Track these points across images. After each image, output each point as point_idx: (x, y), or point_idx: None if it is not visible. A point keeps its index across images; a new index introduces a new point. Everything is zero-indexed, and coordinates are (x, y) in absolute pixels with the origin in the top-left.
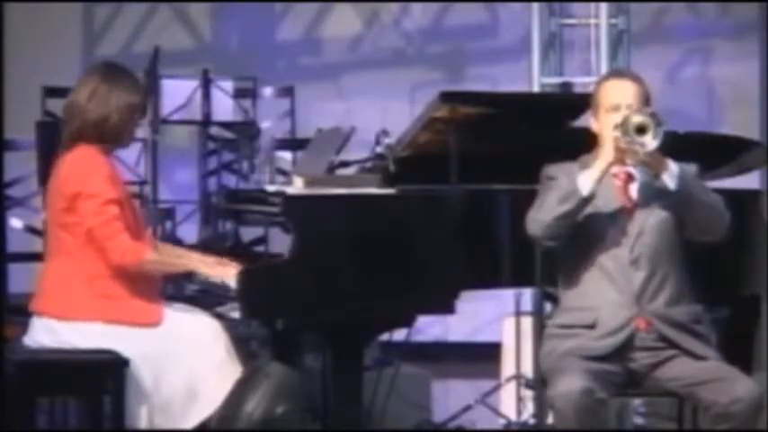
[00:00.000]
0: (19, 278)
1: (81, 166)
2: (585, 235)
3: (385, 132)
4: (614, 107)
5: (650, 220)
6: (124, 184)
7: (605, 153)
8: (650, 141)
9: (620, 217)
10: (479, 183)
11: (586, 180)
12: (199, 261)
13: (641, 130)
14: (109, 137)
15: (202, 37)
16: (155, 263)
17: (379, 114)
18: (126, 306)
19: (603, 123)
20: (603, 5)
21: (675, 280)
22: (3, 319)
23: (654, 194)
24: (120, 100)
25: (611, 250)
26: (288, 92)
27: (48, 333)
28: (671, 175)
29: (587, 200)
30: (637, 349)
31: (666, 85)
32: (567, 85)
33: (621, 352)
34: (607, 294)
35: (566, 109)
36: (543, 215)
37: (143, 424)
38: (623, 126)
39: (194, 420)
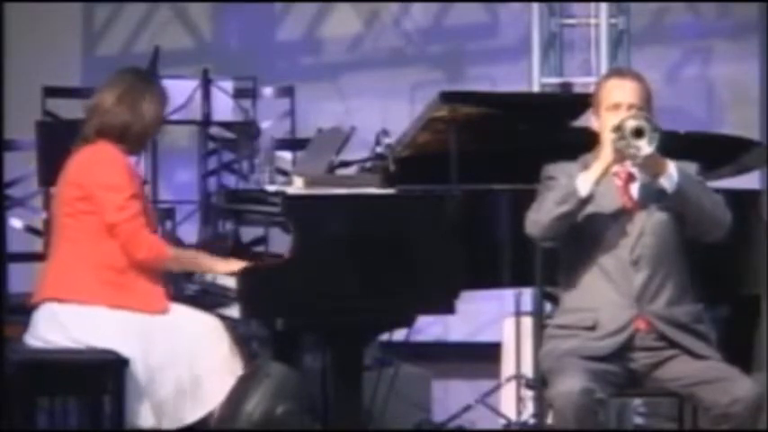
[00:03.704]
0: (19, 278)
1: (102, 158)
2: (586, 235)
3: (385, 132)
4: (615, 106)
5: (651, 221)
6: (140, 182)
7: (604, 154)
8: (645, 146)
9: (620, 217)
10: (479, 183)
11: (585, 181)
12: (214, 261)
13: (638, 133)
14: (131, 141)
15: (202, 37)
16: (175, 261)
17: (379, 114)
18: (131, 294)
19: (604, 122)
20: (603, 5)
21: (676, 280)
22: (3, 319)
23: (655, 194)
24: (148, 109)
25: (611, 251)
26: (288, 92)
27: (49, 323)
28: (669, 177)
29: (585, 201)
30: (637, 349)
31: (666, 85)
32: (567, 85)
33: (622, 352)
34: (607, 295)
35: (566, 109)
36: (541, 216)
37: (144, 418)
38: (619, 130)
39: (195, 416)
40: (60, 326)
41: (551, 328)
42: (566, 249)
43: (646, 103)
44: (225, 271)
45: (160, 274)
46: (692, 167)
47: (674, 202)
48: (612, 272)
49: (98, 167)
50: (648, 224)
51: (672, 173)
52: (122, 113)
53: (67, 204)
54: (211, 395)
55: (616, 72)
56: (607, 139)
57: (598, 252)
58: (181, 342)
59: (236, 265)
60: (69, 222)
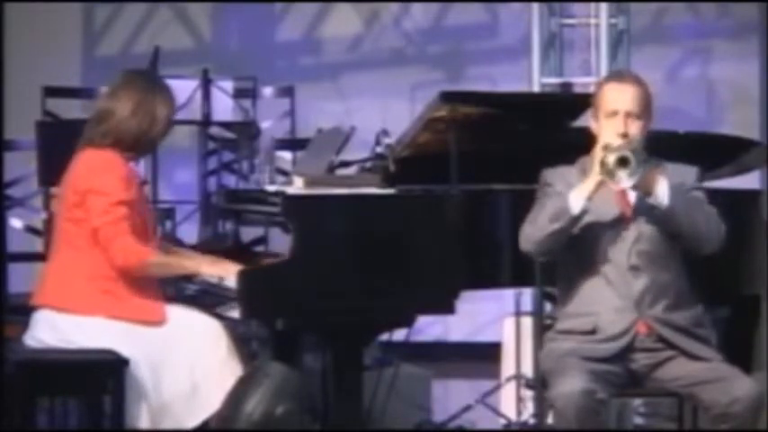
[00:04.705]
0: (19, 278)
1: (97, 164)
2: (584, 241)
3: (385, 132)
4: (613, 112)
5: (647, 227)
6: (140, 186)
7: (595, 171)
8: (625, 179)
9: (616, 223)
10: (479, 183)
11: (577, 198)
12: (199, 262)
13: (623, 162)
14: (142, 148)
15: (202, 37)
16: (157, 265)
17: (379, 114)
18: (129, 304)
19: (602, 129)
20: (603, 5)
21: (675, 284)
22: (3, 319)
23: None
24: (162, 114)
25: (609, 256)
26: (288, 92)
27: (48, 328)
28: (660, 197)
29: (578, 218)
30: (637, 351)
31: (666, 85)
32: (567, 85)
33: (622, 353)
34: (607, 299)
35: (566, 109)
36: (536, 232)
37: (143, 423)
38: (602, 160)
39: (196, 420)
40: (59, 334)
41: (552, 333)
42: (564, 255)
43: (645, 108)
44: (211, 273)
45: (158, 280)
46: (692, 172)
47: (665, 219)
48: (612, 277)
49: (93, 174)
50: (645, 230)
51: (662, 194)
52: (138, 124)
53: (67, 209)
54: (211, 399)
55: (615, 76)
56: (599, 155)
57: (596, 257)
58: (179, 350)
59: (226, 267)
60: (69, 227)
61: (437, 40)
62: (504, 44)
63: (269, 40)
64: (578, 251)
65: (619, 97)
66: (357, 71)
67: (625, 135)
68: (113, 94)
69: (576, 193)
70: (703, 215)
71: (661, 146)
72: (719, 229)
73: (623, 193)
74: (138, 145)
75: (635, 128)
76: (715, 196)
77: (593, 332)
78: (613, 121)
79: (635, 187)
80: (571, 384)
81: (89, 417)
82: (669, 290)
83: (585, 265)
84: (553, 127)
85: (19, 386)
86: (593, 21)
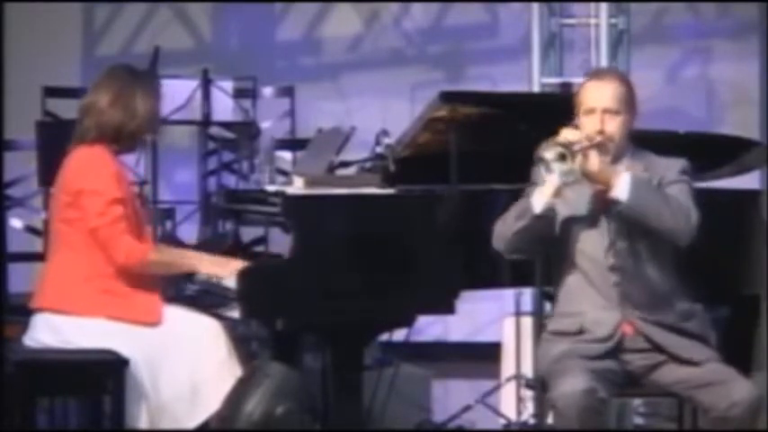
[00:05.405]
0: (19, 278)
1: (87, 163)
2: (565, 240)
3: (385, 132)
4: (590, 110)
5: (622, 225)
6: (129, 184)
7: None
8: (554, 178)
9: (595, 221)
10: (479, 183)
11: (539, 196)
12: (200, 259)
13: (561, 157)
14: (125, 140)
15: (202, 37)
16: (158, 263)
17: (379, 114)
18: (127, 303)
19: (581, 126)
20: (603, 5)
21: (659, 282)
22: (3, 319)
23: None
24: (141, 107)
25: (589, 255)
26: (288, 92)
27: (48, 330)
28: (618, 191)
29: (541, 217)
30: (628, 351)
31: (666, 85)
32: (566, 85)
33: (613, 352)
34: (591, 299)
35: (565, 109)
36: (504, 230)
37: (143, 424)
38: (539, 154)
39: (196, 421)
40: (59, 336)
41: (545, 333)
42: (553, 255)
43: (625, 104)
44: (209, 271)
45: (158, 278)
46: (676, 165)
47: (626, 215)
48: (593, 276)
49: (83, 173)
50: (622, 229)
51: (621, 188)
52: (117, 114)
53: (60, 210)
54: (210, 399)
55: (595, 74)
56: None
57: (577, 257)
58: (179, 350)
59: (227, 264)
60: (63, 228)
61: (437, 40)
62: (504, 44)
63: (269, 40)
64: (561, 250)
65: (595, 95)
66: (357, 71)
67: (602, 132)
68: (95, 88)
69: (538, 191)
70: (670, 208)
71: (661, 146)
72: (689, 222)
73: (602, 191)
74: (121, 137)
75: (613, 124)
76: (715, 196)
77: (580, 332)
78: (591, 118)
79: (593, 181)
80: (572, 384)
81: (89, 417)
82: (652, 288)
83: (569, 264)
84: (553, 127)
85: (19, 386)
86: (593, 21)
